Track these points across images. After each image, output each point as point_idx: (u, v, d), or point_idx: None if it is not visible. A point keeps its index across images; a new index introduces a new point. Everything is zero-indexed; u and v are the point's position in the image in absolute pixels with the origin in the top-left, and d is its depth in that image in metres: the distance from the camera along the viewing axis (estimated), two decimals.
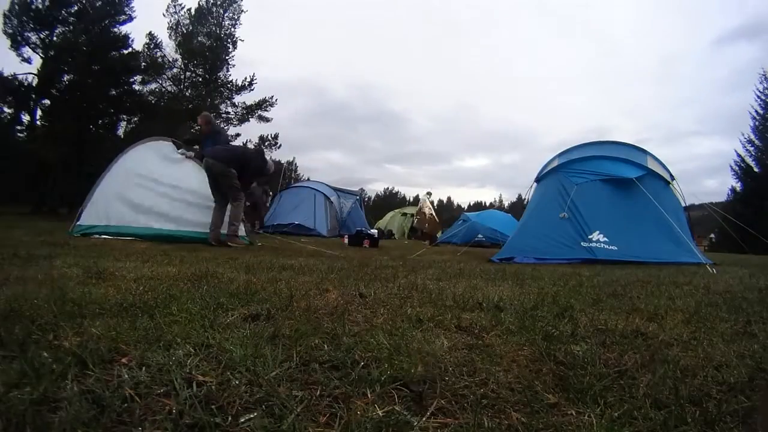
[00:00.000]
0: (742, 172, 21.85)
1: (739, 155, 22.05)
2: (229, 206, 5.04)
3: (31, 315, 1.13)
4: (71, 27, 16.34)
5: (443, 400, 0.80)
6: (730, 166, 22.31)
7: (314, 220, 11.12)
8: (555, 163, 5.59)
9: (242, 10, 22.42)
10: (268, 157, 5.81)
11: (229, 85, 22.09)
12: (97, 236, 4.82)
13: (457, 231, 11.56)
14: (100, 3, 16.78)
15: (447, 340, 1.14)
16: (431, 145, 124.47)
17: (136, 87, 18.66)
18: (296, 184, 13.25)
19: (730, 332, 1.39)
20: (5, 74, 15.29)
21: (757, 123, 22.09)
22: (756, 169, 21.47)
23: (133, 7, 17.49)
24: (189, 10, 21.75)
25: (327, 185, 12.69)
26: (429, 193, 15.93)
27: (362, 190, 14.67)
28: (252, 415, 0.69)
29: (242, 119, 22.88)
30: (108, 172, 5.43)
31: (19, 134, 16.96)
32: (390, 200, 61.65)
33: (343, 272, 2.61)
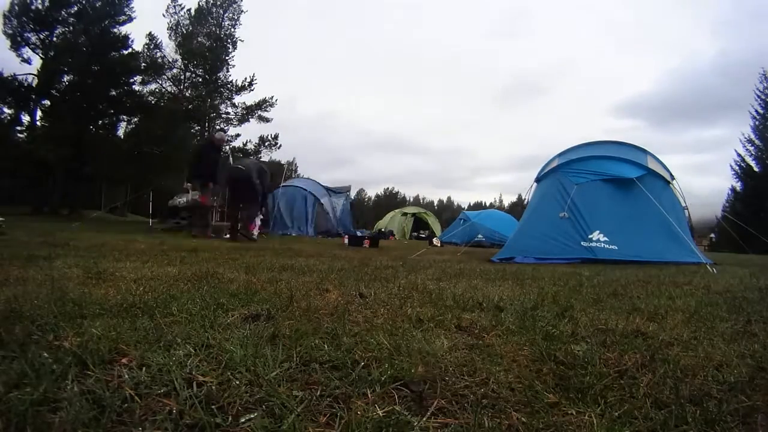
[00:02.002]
0: (742, 171, 21.81)
1: (739, 155, 22.03)
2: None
3: (31, 315, 1.13)
4: (71, 27, 16.32)
5: (443, 400, 0.80)
6: (730, 166, 22.29)
7: (306, 222, 11.41)
8: (555, 163, 5.59)
9: (242, 11, 22.44)
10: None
11: (229, 86, 22.09)
12: None
13: (456, 231, 11.57)
14: (100, 3, 16.75)
15: (447, 340, 1.14)
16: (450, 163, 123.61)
17: (136, 87, 18.65)
18: (285, 183, 12.86)
19: (730, 332, 1.39)
20: (5, 74, 15.26)
21: (757, 123, 22.05)
22: (756, 169, 21.43)
23: (132, 7, 17.48)
24: (189, 10, 21.75)
25: (318, 184, 12.63)
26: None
27: (350, 186, 13.95)
28: (252, 416, 0.69)
29: (242, 119, 22.89)
30: None
31: (19, 135, 16.93)
32: (390, 200, 61.58)
33: (343, 273, 2.61)
